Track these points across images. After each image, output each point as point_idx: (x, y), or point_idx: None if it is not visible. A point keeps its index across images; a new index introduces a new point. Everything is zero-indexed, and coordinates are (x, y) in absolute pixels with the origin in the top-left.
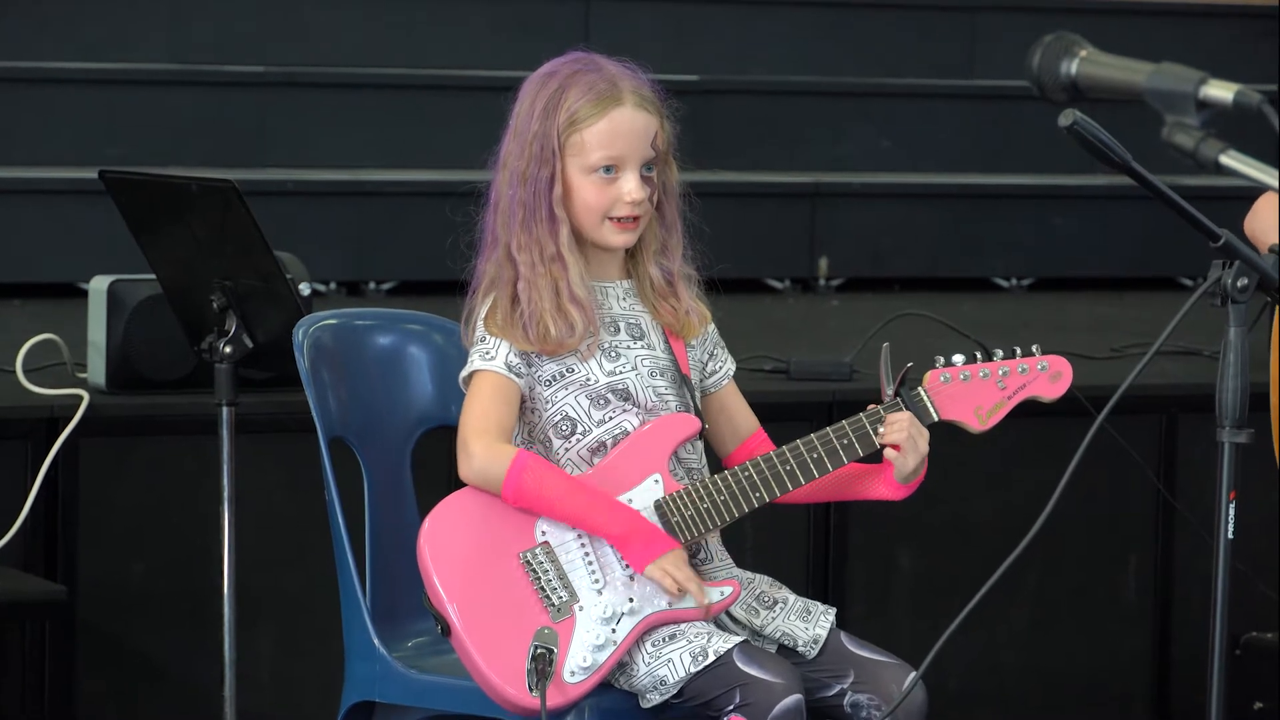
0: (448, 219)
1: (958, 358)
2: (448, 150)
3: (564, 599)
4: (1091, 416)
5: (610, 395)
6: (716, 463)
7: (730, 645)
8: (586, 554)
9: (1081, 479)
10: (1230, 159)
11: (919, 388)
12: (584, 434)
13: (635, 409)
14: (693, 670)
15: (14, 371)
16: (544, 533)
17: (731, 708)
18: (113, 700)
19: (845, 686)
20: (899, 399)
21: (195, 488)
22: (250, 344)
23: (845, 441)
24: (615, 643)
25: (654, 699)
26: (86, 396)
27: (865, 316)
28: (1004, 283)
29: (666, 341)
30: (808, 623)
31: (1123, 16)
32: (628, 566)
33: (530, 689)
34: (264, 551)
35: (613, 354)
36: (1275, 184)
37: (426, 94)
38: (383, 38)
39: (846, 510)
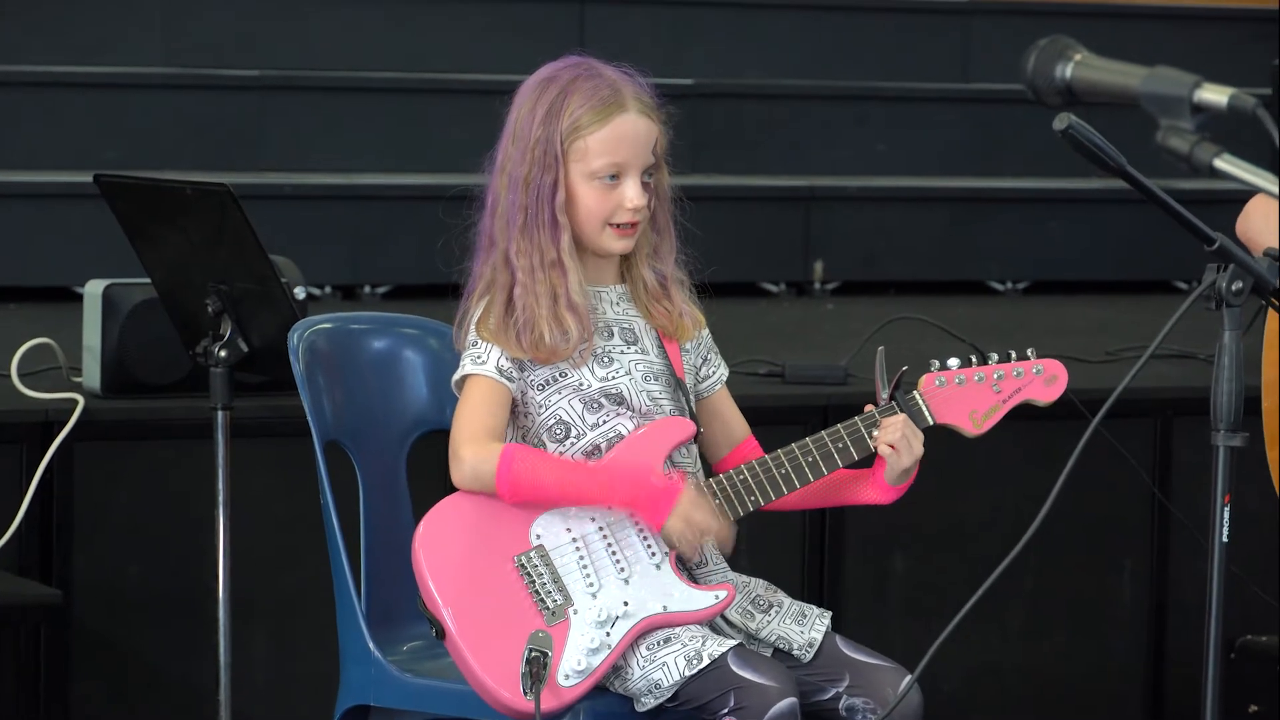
0: (444, 223)
1: (953, 361)
2: (443, 154)
3: (558, 602)
4: (1086, 420)
5: (604, 399)
6: (709, 468)
7: (725, 649)
8: (581, 557)
9: (1076, 482)
10: (1225, 163)
11: (914, 391)
12: (578, 438)
13: (629, 413)
14: (687, 674)
15: (9, 375)
16: (538, 536)
17: (726, 711)
18: (107, 703)
19: (841, 690)
20: (894, 402)
21: (190, 491)
22: (245, 348)
23: (840, 445)
24: (610, 646)
25: (649, 702)
26: (81, 400)
27: (860, 320)
28: (999, 286)
29: (660, 346)
30: (803, 626)
31: (1117, 20)
32: (623, 570)
33: (525, 692)
34: (259, 555)
35: (606, 359)
36: (1269, 187)
37: (422, 97)
38: (379, 41)
39: (841, 514)
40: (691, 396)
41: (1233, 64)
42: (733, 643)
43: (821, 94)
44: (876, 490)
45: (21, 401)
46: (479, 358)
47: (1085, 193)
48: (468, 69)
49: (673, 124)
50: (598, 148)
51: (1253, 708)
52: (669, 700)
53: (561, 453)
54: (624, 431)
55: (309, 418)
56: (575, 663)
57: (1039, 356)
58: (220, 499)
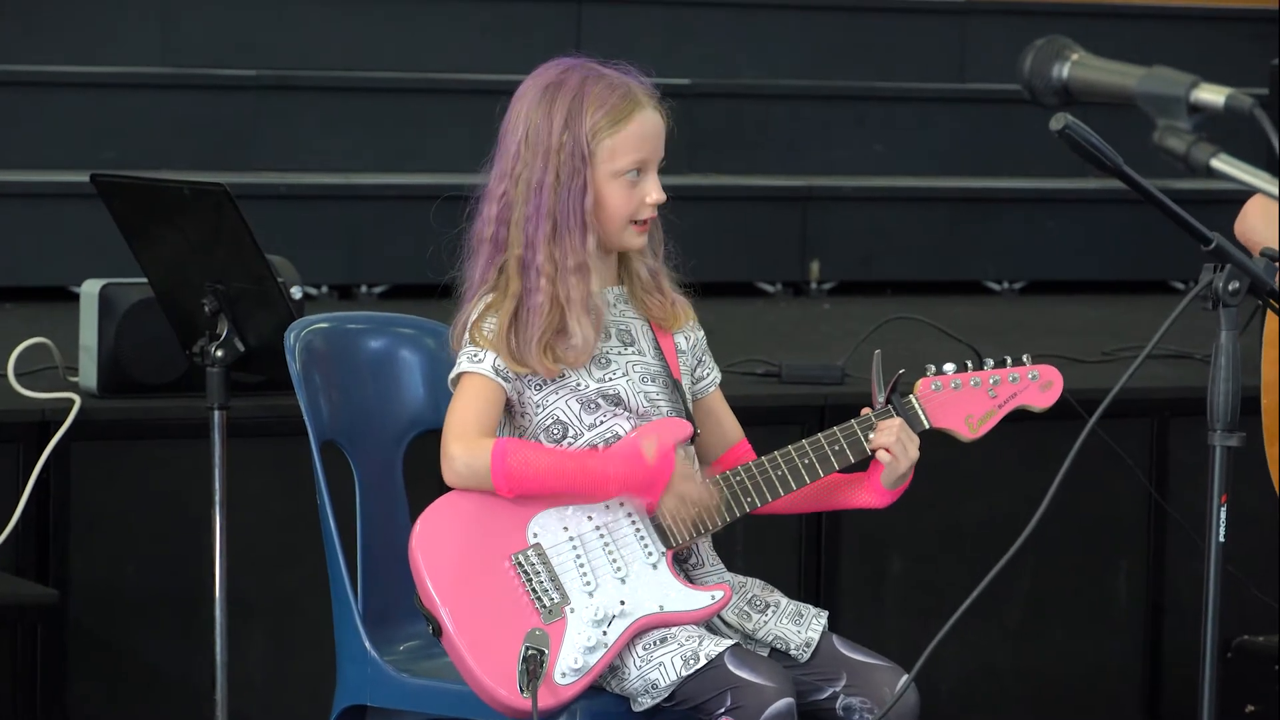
0: (442, 221)
1: (949, 366)
2: (439, 154)
3: (555, 601)
4: (1083, 420)
5: (601, 400)
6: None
7: (721, 648)
8: (578, 556)
9: (1073, 482)
10: (1222, 163)
11: (910, 395)
12: (575, 438)
13: (626, 414)
14: (684, 674)
15: (5, 375)
16: (535, 534)
17: (723, 711)
18: (104, 703)
19: (838, 689)
20: (890, 406)
21: (187, 491)
22: (242, 347)
23: (836, 448)
24: (606, 645)
25: (645, 702)
26: (78, 400)
27: (857, 320)
28: (996, 286)
29: (657, 347)
30: (800, 626)
31: (1114, 20)
32: (619, 569)
33: (521, 690)
34: (256, 555)
35: (603, 360)
36: (1266, 187)
37: (418, 97)
38: (375, 41)
39: (838, 514)
40: (689, 397)
41: (1230, 64)
42: (729, 643)
43: (818, 94)
44: (872, 494)
45: (18, 401)
46: (475, 356)
47: (1082, 193)
48: (465, 69)
49: (670, 119)
50: (623, 146)
51: (1250, 708)
52: (666, 700)
53: None
54: (621, 432)
55: (305, 417)
56: (572, 661)
57: (1035, 361)
58: (217, 499)
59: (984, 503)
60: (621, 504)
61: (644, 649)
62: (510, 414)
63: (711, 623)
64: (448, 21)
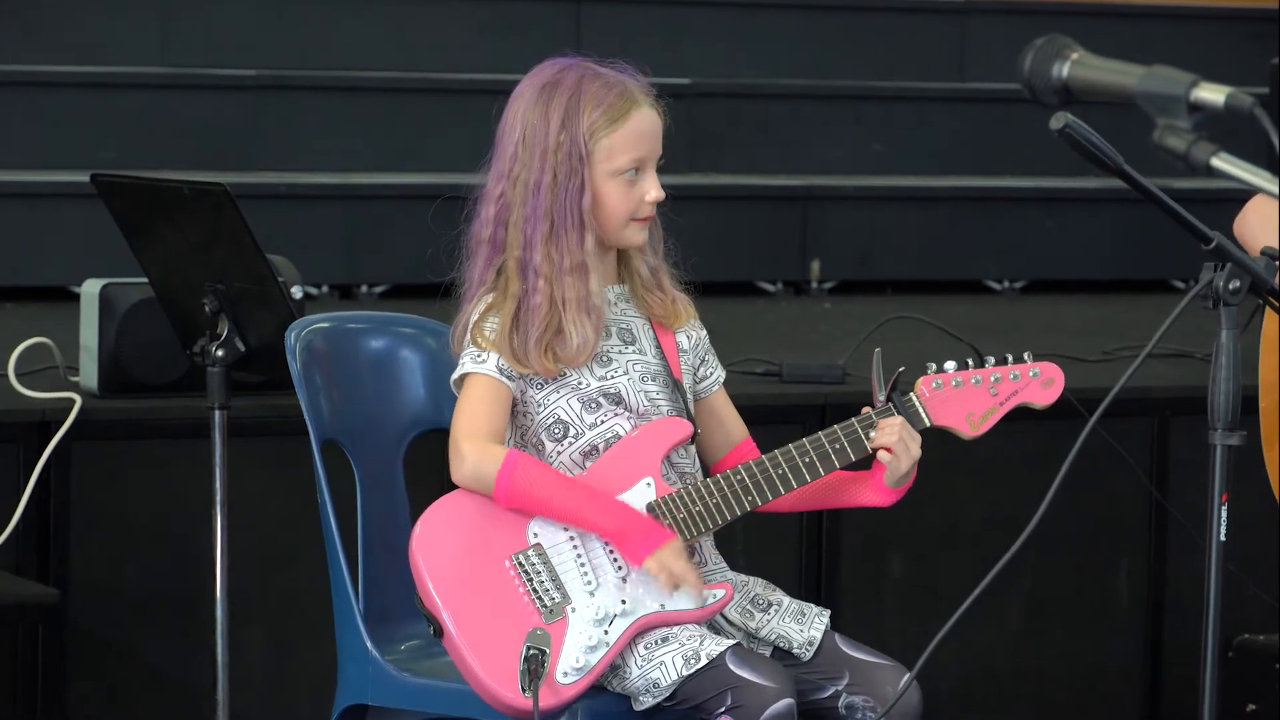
0: (438, 222)
1: (949, 364)
2: (439, 153)
3: (556, 600)
4: (1084, 419)
5: (602, 399)
6: (707, 469)
7: (722, 648)
8: (579, 555)
9: (1074, 482)
10: (1222, 162)
11: (911, 393)
12: (576, 437)
13: (627, 413)
14: (685, 673)
15: (6, 375)
16: (536, 534)
17: (723, 710)
18: (105, 703)
19: (840, 688)
20: (891, 404)
21: (187, 491)
22: (242, 347)
23: (837, 446)
24: (608, 644)
25: (646, 701)
26: (79, 400)
27: (857, 319)
28: (996, 285)
29: (658, 346)
30: (802, 625)
31: (1114, 19)
32: (620, 568)
33: (523, 689)
34: (256, 554)
35: (604, 359)
36: (1267, 186)
37: (418, 97)
38: (374, 41)
39: (839, 513)
40: (690, 397)
41: (1231, 63)
42: (730, 642)
43: (818, 93)
44: (875, 493)
45: (19, 401)
46: (479, 356)
47: (1082, 192)
48: (464, 69)
49: (667, 117)
50: (621, 145)
51: (1250, 707)
52: (667, 699)
53: (559, 452)
54: (621, 431)
55: (306, 417)
56: (573, 660)
57: (1036, 359)
58: (217, 498)
59: (985, 502)
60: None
61: (645, 648)
62: (512, 413)
63: (714, 622)
64: (447, 21)
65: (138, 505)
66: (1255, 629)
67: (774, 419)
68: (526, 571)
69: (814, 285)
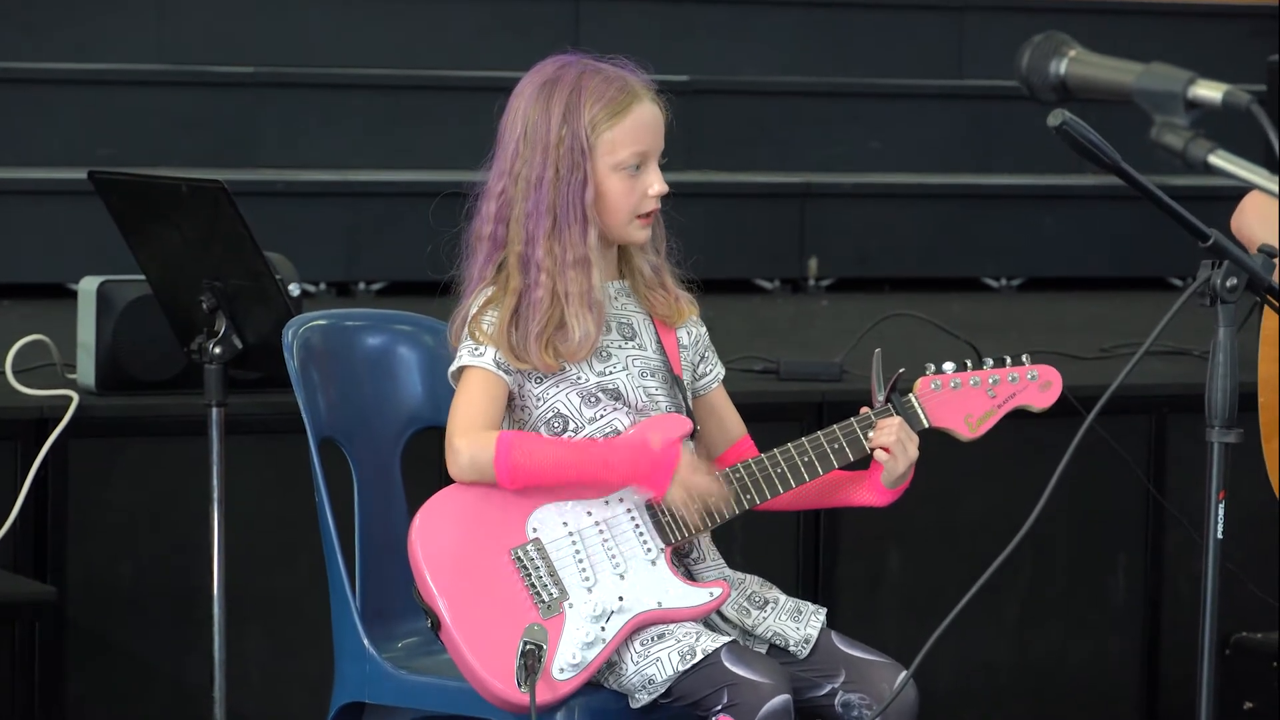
0: (438, 219)
1: (948, 365)
2: (437, 150)
3: (554, 596)
4: (1081, 416)
5: (601, 394)
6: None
7: (718, 645)
8: (577, 551)
9: (1071, 479)
10: (1219, 159)
11: (910, 394)
12: (575, 431)
13: (626, 408)
14: (680, 669)
15: (4, 372)
16: (535, 529)
17: (720, 708)
18: (102, 701)
19: (836, 686)
20: (890, 405)
21: (185, 488)
22: (240, 344)
23: (836, 446)
24: (604, 641)
25: (643, 698)
26: (76, 397)
27: (855, 317)
28: (993, 283)
29: (659, 342)
30: (799, 622)
31: (1112, 16)
32: (618, 565)
33: (519, 684)
34: (253, 552)
35: (603, 354)
36: (1264, 184)
37: (416, 94)
38: (372, 38)
39: (835, 511)
40: (689, 393)
41: (1229, 60)
42: (726, 639)
43: (816, 91)
44: (872, 493)
45: (16, 398)
46: (476, 350)
47: (1080, 189)
48: (463, 66)
49: (669, 112)
50: (623, 139)
51: (1247, 704)
52: (663, 696)
53: None
54: (620, 427)
55: (303, 414)
56: (570, 656)
57: (1034, 362)
58: (215, 496)
59: (982, 499)
60: (621, 500)
61: (641, 645)
62: (510, 407)
63: (710, 619)
64: (446, 18)
65: (135, 502)
66: (1253, 627)
67: (771, 416)
68: (525, 566)
69: (812, 282)
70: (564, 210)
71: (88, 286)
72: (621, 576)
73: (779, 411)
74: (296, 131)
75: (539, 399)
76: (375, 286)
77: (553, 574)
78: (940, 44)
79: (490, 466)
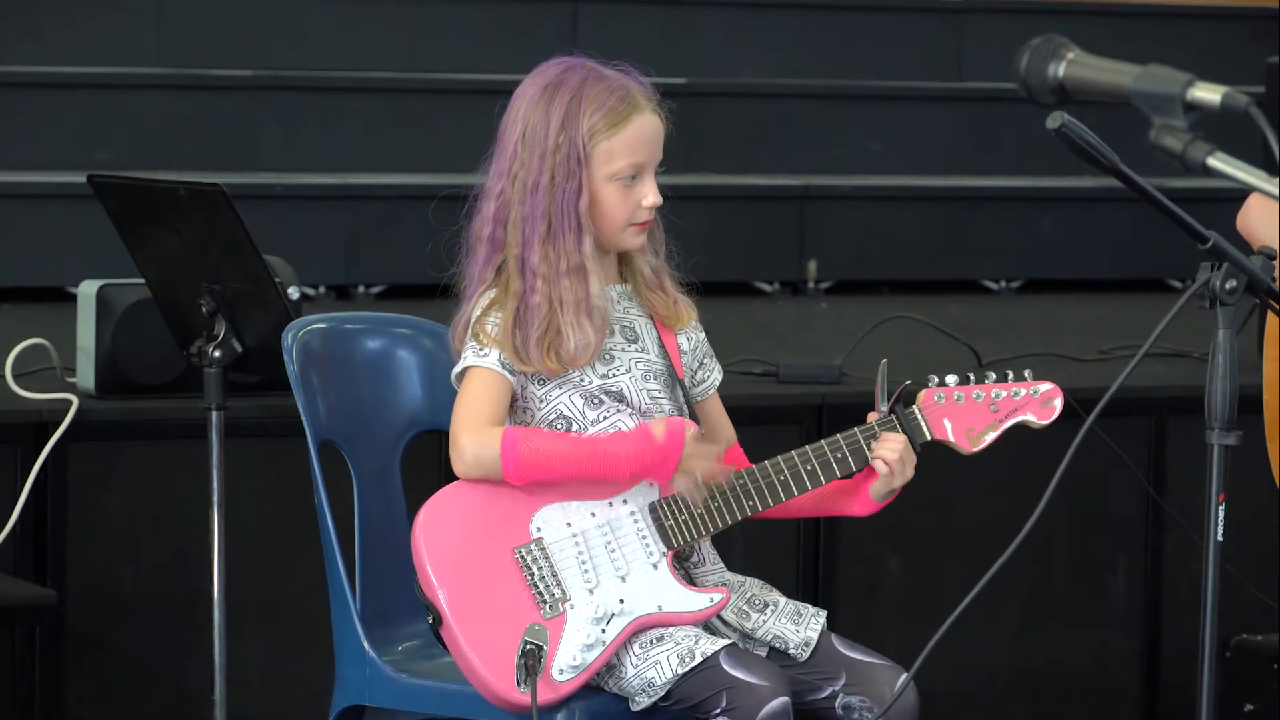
0: (438, 219)
1: (951, 378)
2: (436, 153)
3: (556, 596)
4: (1080, 418)
5: (604, 396)
6: None
7: (717, 648)
8: (580, 553)
9: (1071, 481)
10: (1218, 161)
11: (914, 406)
12: (579, 433)
13: (629, 411)
14: (680, 672)
15: (3, 376)
16: (539, 528)
17: (719, 711)
18: (102, 704)
19: (837, 688)
20: (894, 415)
21: (184, 492)
22: (239, 348)
23: (839, 455)
24: (604, 643)
25: (643, 701)
26: (75, 401)
27: (854, 319)
28: (993, 285)
29: (661, 345)
30: (799, 625)
31: (1110, 18)
32: (620, 567)
33: (519, 684)
34: (253, 556)
35: (606, 357)
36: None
37: (415, 97)
38: (371, 41)
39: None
40: (690, 396)
41: (1228, 62)
42: (725, 642)
43: (815, 93)
44: (860, 503)
45: (16, 402)
46: (481, 351)
47: (1079, 191)
48: (461, 69)
49: (669, 122)
50: (620, 149)
51: (1248, 706)
52: (663, 699)
53: None
54: (624, 429)
55: (303, 418)
56: (570, 658)
57: (1036, 378)
58: (214, 499)
59: (982, 502)
60: (625, 501)
61: (640, 648)
62: (513, 408)
63: (710, 622)
64: (444, 21)
65: (135, 506)
66: (1253, 629)
67: (771, 419)
68: (527, 565)
69: (811, 285)
70: (559, 216)
71: (87, 290)
72: (623, 579)
73: (779, 414)
74: (296, 134)
75: (542, 400)
76: (375, 290)
77: (555, 574)
78: (939, 46)
79: (495, 462)
